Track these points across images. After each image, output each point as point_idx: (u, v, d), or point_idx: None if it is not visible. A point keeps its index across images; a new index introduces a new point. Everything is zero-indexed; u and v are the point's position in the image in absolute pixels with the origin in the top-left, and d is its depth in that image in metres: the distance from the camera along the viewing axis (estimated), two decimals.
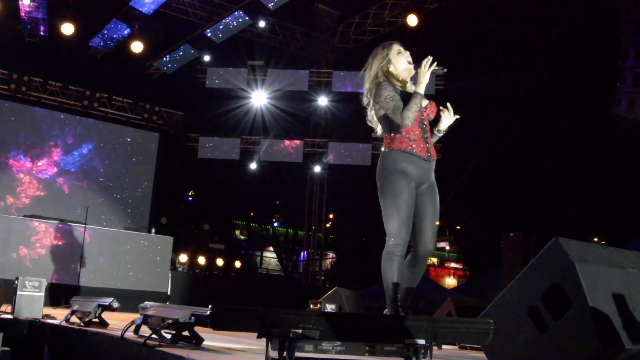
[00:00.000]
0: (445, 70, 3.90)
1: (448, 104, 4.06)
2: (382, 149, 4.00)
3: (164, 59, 15.66)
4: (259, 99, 16.81)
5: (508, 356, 3.20)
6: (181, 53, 15.50)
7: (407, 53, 4.03)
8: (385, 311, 3.85)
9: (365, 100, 4.10)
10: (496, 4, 14.28)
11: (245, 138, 17.02)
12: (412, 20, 14.31)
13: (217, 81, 16.47)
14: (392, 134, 3.91)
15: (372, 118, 4.11)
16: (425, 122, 3.97)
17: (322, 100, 17.43)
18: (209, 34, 14.81)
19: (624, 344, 2.85)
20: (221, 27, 14.70)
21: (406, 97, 3.82)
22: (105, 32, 14.34)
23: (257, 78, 16.54)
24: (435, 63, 3.84)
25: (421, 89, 3.80)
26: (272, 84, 16.50)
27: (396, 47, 4.03)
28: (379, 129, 4.12)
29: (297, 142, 16.98)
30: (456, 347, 5.11)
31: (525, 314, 3.09)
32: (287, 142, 17.03)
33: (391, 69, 4.00)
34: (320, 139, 17.36)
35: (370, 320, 2.58)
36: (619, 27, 8.72)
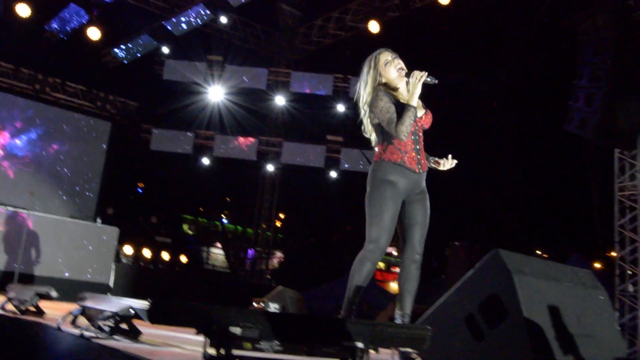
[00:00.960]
0: (437, 82, 3.90)
1: (450, 157, 4.09)
2: (374, 158, 4.02)
3: (122, 48, 15.40)
4: (216, 94, 16.69)
5: None
6: (139, 43, 15.27)
7: (397, 61, 4.01)
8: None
9: (362, 112, 4.11)
10: (458, 18, 14.50)
11: (200, 132, 16.89)
12: (374, 26, 14.40)
13: (174, 74, 16.31)
14: (384, 144, 3.95)
15: (367, 128, 4.12)
16: (419, 133, 4.00)
17: (280, 100, 17.40)
18: (169, 26, 14.62)
19: (554, 355, 2.94)
20: (182, 20, 14.54)
21: (400, 106, 3.85)
22: (63, 16, 14.02)
23: (214, 73, 16.43)
24: (427, 74, 3.87)
25: (413, 101, 3.81)
26: (230, 80, 16.42)
27: (383, 58, 4.02)
28: (373, 139, 4.14)
29: (252, 139, 16.93)
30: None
31: (463, 322, 3.16)
32: (241, 139, 16.96)
33: (383, 80, 4.03)
34: (275, 138, 17.34)
35: (309, 322, 2.59)
36: (575, 48, 8.95)
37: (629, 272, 9.80)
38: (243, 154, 16.97)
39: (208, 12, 14.19)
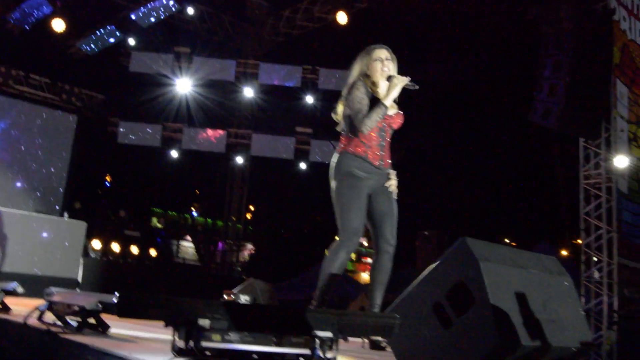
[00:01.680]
0: (417, 87, 3.94)
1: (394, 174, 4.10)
2: (338, 149, 4.04)
3: (87, 40, 15.15)
4: (184, 86, 16.53)
5: (412, 350, 3.30)
6: (105, 35, 15.04)
7: (387, 63, 4.04)
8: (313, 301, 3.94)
9: (343, 96, 4.12)
10: (424, 9, 14.58)
11: (168, 125, 16.72)
12: (342, 17, 14.42)
13: (140, 66, 16.11)
14: (350, 136, 3.97)
15: (338, 111, 4.13)
16: (385, 130, 4.03)
17: (248, 92, 17.32)
18: (135, 18, 14.43)
19: (521, 340, 2.99)
20: (148, 11, 14.35)
21: (374, 102, 3.88)
22: (25, 7, 13.74)
23: (182, 65, 16.27)
24: (409, 79, 3.90)
25: (387, 101, 3.87)
26: (197, 72, 16.27)
27: (377, 54, 4.06)
28: (340, 126, 4.15)
29: (220, 132, 16.82)
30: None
31: (431, 310, 3.19)
32: (210, 131, 16.84)
33: (367, 72, 4.06)
34: (244, 130, 17.26)
35: (278, 312, 2.60)
36: (539, 39, 9.08)
37: (595, 259, 9.99)
38: (212, 147, 16.87)
39: (175, 3, 14.04)
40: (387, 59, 4.05)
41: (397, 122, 4.13)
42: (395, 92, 3.89)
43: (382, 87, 4.05)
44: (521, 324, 3.06)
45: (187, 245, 26.06)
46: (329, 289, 3.87)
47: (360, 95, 3.88)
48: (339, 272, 3.87)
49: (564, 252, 20.05)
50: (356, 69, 4.10)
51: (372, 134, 3.93)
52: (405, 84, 3.91)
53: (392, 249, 4.00)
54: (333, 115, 4.19)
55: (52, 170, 14.95)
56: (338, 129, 4.16)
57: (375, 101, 3.90)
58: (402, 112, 4.15)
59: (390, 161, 4.08)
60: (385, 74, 4.01)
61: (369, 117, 3.80)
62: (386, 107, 3.86)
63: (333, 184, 3.99)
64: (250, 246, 25.88)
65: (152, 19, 14.56)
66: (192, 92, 16.68)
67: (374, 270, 4.00)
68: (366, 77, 4.06)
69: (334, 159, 4.04)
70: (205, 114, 17.07)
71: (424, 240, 11.66)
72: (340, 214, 3.92)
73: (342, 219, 3.90)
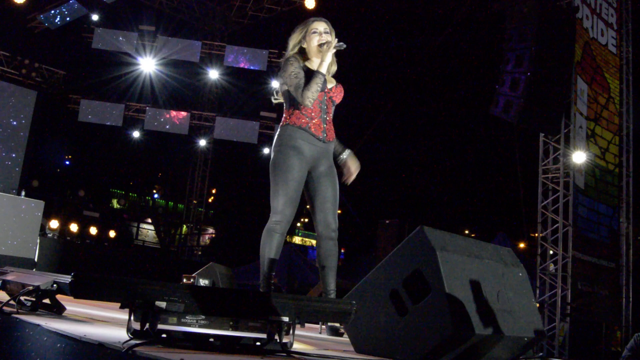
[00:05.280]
0: (345, 46, 3.89)
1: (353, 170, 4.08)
2: (281, 123, 3.97)
3: (49, 13, 14.81)
4: (148, 65, 16.29)
5: (369, 336, 3.33)
6: (68, 9, 14.71)
7: (324, 36, 3.94)
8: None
9: (279, 73, 4.06)
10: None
11: (131, 105, 16.47)
12: (310, 2, 14.39)
13: (103, 43, 15.80)
14: (291, 109, 3.89)
15: (279, 92, 4.08)
16: (327, 103, 3.95)
17: (213, 74, 17.17)
18: None
19: (474, 329, 3.04)
20: None
21: (311, 74, 3.80)
22: None
23: (146, 44, 16.01)
24: (337, 40, 3.86)
25: (322, 68, 3.79)
26: (162, 51, 16.03)
27: (314, 26, 3.97)
28: (281, 100, 4.10)
29: (184, 113, 16.63)
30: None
31: (387, 297, 3.22)
32: (173, 112, 16.63)
33: (304, 45, 3.99)
34: (208, 113, 17.11)
35: (235, 296, 2.59)
36: (503, 33, 9.18)
37: (550, 252, 10.21)
38: (175, 128, 16.67)
39: None
40: (325, 32, 4.00)
41: (338, 96, 4.06)
42: (328, 58, 3.83)
43: (316, 62, 3.99)
44: (475, 313, 3.12)
45: (148, 228, 25.81)
46: (272, 273, 3.82)
47: (296, 70, 3.79)
48: (277, 255, 3.81)
49: (522, 245, 20.43)
50: (292, 42, 4.03)
51: (314, 106, 3.87)
52: (334, 46, 3.86)
53: (335, 235, 3.93)
54: (275, 93, 4.13)
55: (10, 147, 14.62)
56: (276, 101, 4.11)
57: (311, 73, 3.82)
58: (341, 85, 4.11)
59: (334, 136, 4.01)
60: (320, 48, 3.95)
61: (309, 89, 3.72)
62: (322, 75, 3.79)
63: (272, 157, 3.90)
64: (210, 230, 25.73)
65: None
66: (157, 72, 16.45)
67: (322, 257, 3.90)
68: (302, 50, 4.03)
69: (277, 132, 3.96)
70: (169, 94, 16.88)
71: (384, 228, 11.74)
72: (275, 192, 3.81)
73: (276, 199, 3.81)
